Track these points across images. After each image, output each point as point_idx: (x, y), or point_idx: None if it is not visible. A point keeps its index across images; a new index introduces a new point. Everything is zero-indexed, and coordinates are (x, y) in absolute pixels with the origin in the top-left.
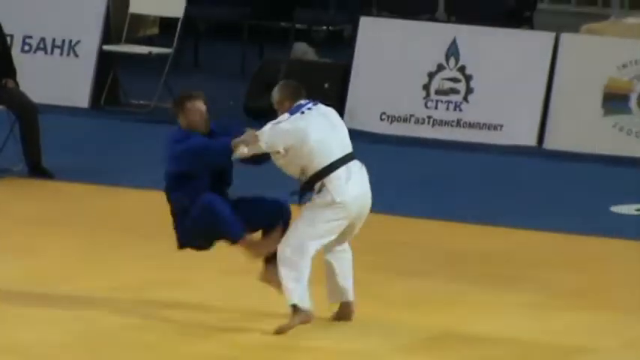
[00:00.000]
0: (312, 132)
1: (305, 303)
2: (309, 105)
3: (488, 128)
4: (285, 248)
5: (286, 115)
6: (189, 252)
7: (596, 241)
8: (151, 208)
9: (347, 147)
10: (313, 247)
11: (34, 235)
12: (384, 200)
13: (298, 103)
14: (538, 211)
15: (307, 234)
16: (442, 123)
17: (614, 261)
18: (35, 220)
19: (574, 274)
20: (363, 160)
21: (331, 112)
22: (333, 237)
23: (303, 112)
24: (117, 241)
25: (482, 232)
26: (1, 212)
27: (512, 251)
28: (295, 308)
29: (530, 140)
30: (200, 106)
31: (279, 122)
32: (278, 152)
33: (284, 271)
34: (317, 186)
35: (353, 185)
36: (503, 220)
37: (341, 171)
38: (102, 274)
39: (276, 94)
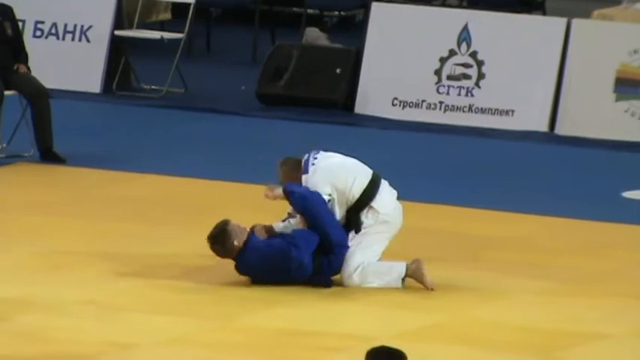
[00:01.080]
0: (343, 158)
1: (403, 271)
2: (313, 154)
3: (500, 114)
4: (353, 278)
5: (305, 175)
6: (200, 238)
7: (607, 226)
8: (163, 193)
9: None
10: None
11: (45, 221)
12: (396, 186)
13: (303, 161)
14: (549, 196)
15: (367, 258)
16: (454, 108)
17: (625, 247)
18: (47, 206)
19: (585, 260)
20: (374, 146)
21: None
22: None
23: (316, 158)
24: (128, 227)
25: (494, 217)
26: (13, 197)
27: (523, 237)
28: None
29: (542, 126)
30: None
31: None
32: (329, 195)
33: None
34: (365, 210)
35: (391, 198)
36: (515, 205)
37: (381, 188)
38: (112, 259)
39: (282, 172)
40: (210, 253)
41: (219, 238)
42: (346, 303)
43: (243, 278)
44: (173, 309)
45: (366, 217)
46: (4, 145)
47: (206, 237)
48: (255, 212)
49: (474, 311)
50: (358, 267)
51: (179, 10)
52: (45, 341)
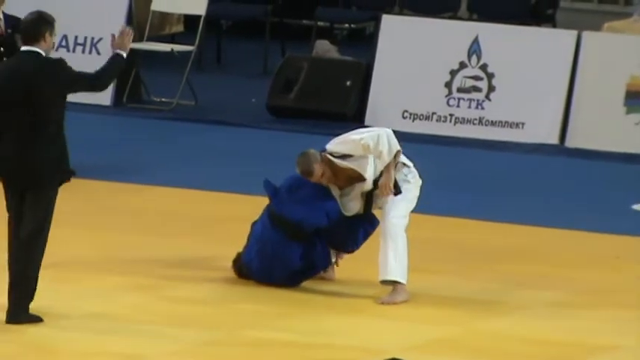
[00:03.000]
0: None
1: (405, 280)
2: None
3: (510, 126)
4: (400, 221)
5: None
6: (209, 250)
7: (617, 239)
8: (172, 205)
9: None
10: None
11: (55, 232)
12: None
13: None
14: (560, 209)
15: (408, 211)
16: (464, 121)
17: (635, 259)
18: (57, 217)
19: (595, 273)
20: None
21: None
22: None
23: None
24: (138, 239)
25: (504, 230)
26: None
27: (534, 249)
28: (396, 284)
29: (552, 138)
30: None
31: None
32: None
33: (391, 246)
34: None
35: None
36: (525, 218)
37: None
38: (120, 271)
39: (312, 167)
40: (219, 264)
41: None
42: (353, 315)
43: (250, 291)
44: (180, 321)
45: (400, 172)
46: None
47: None
48: None
49: (483, 323)
50: (406, 217)
51: (192, 23)
52: (53, 353)
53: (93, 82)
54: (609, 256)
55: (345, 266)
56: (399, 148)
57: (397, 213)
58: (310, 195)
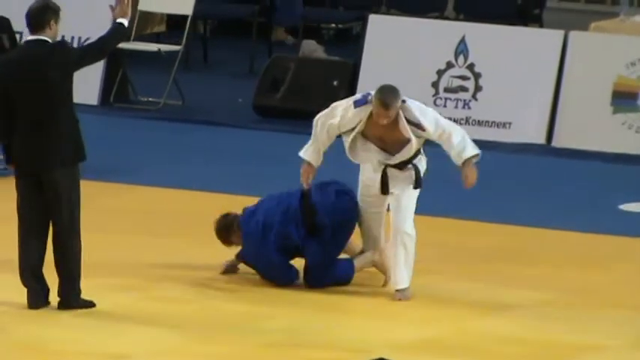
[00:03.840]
0: None
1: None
2: None
3: (497, 126)
4: (413, 231)
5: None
6: (196, 250)
7: (605, 239)
8: (159, 205)
9: None
10: None
11: None
12: None
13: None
14: (546, 209)
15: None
16: (451, 120)
17: (622, 259)
18: None
19: (583, 273)
20: None
21: None
22: None
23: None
24: (124, 238)
25: (491, 230)
26: (9, 211)
27: (520, 249)
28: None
29: (539, 138)
30: None
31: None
32: None
33: (404, 257)
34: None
35: None
36: (512, 217)
37: None
38: (108, 270)
39: (394, 103)
40: (205, 264)
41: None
42: (340, 315)
43: (239, 292)
44: (168, 320)
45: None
46: (2, 156)
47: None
48: None
49: (471, 323)
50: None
51: (175, 23)
52: (40, 352)
53: (100, 49)
54: (597, 256)
55: None
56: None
57: (411, 222)
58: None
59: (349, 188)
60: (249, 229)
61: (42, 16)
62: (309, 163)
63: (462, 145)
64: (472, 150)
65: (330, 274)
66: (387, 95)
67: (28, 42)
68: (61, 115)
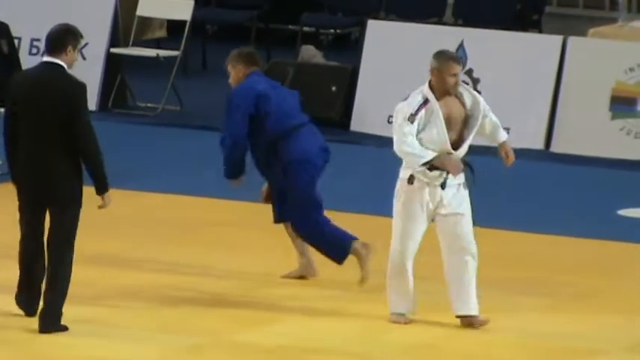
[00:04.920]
0: None
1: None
2: None
3: None
4: (475, 246)
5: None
6: (201, 255)
7: (603, 244)
8: (160, 211)
9: None
10: None
11: None
12: (392, 205)
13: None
14: (545, 214)
15: None
16: None
17: (621, 264)
18: None
19: (582, 278)
20: (370, 164)
21: None
22: None
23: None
24: (124, 245)
25: (490, 235)
26: (9, 217)
27: (519, 255)
28: None
29: (538, 144)
30: None
31: None
32: None
33: (473, 281)
34: None
35: None
36: (510, 223)
37: None
38: (109, 276)
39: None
40: (205, 270)
41: None
42: (341, 320)
43: (238, 297)
44: (169, 326)
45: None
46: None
47: None
48: (250, 230)
49: (469, 328)
50: None
51: (174, 28)
52: (44, 357)
53: (87, 145)
54: (595, 261)
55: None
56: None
57: (474, 242)
58: None
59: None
60: None
61: (61, 39)
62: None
63: (498, 123)
64: (504, 133)
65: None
66: (455, 55)
67: (43, 63)
68: (64, 147)
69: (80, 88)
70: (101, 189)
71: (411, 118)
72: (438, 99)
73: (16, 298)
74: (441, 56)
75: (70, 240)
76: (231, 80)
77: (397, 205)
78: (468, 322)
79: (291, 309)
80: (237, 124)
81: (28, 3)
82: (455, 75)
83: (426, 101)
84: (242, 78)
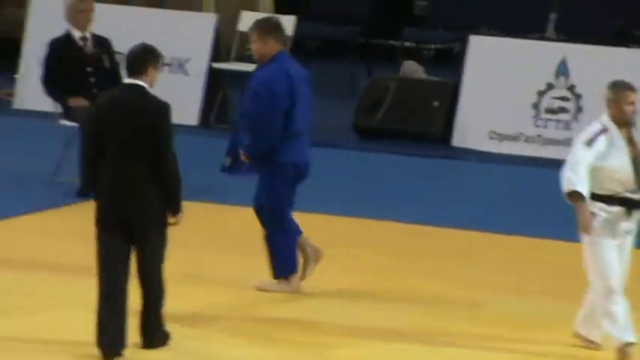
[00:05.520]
0: None
1: None
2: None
3: None
4: None
5: None
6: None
7: None
8: (257, 225)
9: None
10: None
11: None
12: (494, 220)
13: None
14: None
15: None
16: (552, 142)
17: None
18: None
19: None
20: (471, 179)
21: None
22: None
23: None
24: (224, 258)
25: None
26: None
27: None
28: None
29: None
30: None
31: None
32: None
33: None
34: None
35: None
36: None
37: None
38: (200, 290)
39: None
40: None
41: None
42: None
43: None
44: (257, 339)
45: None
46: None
47: None
48: (348, 246)
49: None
50: None
51: None
52: None
53: (168, 167)
54: None
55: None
56: None
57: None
58: None
59: None
60: None
61: (141, 61)
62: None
63: None
64: None
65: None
66: (623, 81)
67: (125, 85)
68: (150, 168)
69: (163, 109)
70: (175, 210)
71: (590, 142)
72: (618, 129)
73: (98, 342)
74: (615, 87)
75: (160, 261)
76: (256, 55)
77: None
78: None
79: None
80: (273, 120)
81: (130, 18)
82: (632, 103)
83: (605, 129)
84: (269, 55)
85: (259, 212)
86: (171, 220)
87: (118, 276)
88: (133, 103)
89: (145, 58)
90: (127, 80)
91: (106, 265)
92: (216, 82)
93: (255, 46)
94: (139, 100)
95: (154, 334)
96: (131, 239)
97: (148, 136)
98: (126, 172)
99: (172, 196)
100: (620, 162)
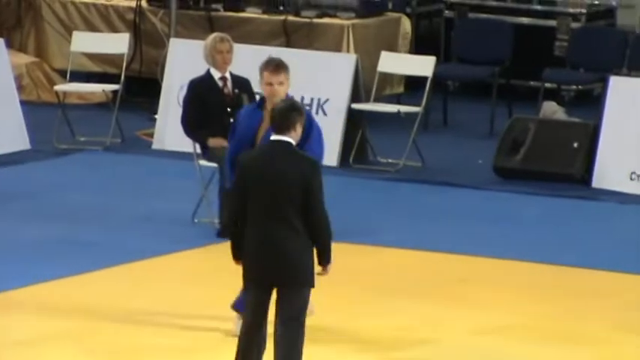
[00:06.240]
0: None
1: None
2: None
3: None
4: None
5: None
6: (440, 312)
7: None
8: (401, 266)
9: None
10: None
11: None
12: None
13: None
14: None
15: None
16: None
17: None
18: None
19: None
20: (612, 220)
21: None
22: None
23: None
24: (361, 299)
25: None
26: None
27: None
28: None
29: None
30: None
31: None
32: None
33: None
34: None
35: None
36: None
37: None
38: (343, 332)
39: None
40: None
41: None
42: None
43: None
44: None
45: None
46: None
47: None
48: (492, 286)
49: None
50: None
51: (412, 83)
52: None
53: (320, 223)
54: None
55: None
56: None
57: None
58: None
59: None
60: None
61: (290, 118)
62: None
63: None
64: None
65: None
66: None
67: (272, 142)
68: (299, 226)
69: (315, 166)
70: (325, 261)
71: None
72: None
73: None
74: None
75: (301, 319)
76: (283, 94)
77: None
78: None
79: None
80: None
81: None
82: None
83: None
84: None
85: None
86: (320, 271)
87: (259, 346)
88: (284, 162)
89: (293, 116)
90: (274, 137)
91: (250, 332)
92: (355, 122)
93: (284, 88)
94: (291, 158)
95: None
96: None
97: (299, 193)
98: (274, 231)
99: (324, 251)
100: None
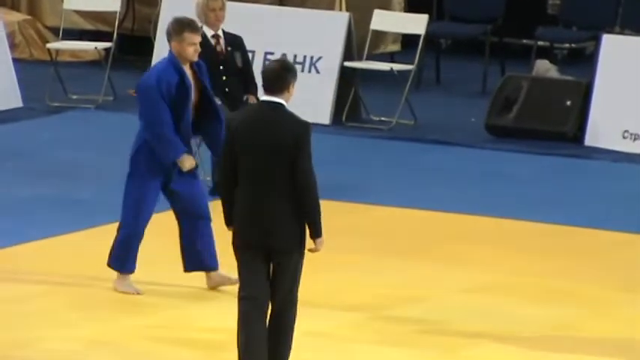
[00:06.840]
0: None
1: None
2: None
3: None
4: None
5: None
6: (430, 271)
7: None
8: (392, 225)
9: None
10: None
11: None
12: (629, 219)
13: None
14: None
15: None
16: None
17: None
18: None
19: None
20: (604, 179)
21: None
22: None
23: None
24: (355, 258)
25: None
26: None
27: None
28: None
29: None
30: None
31: None
32: None
33: None
34: None
35: None
36: None
37: None
38: (337, 290)
39: None
40: (441, 284)
41: None
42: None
43: (474, 308)
44: (398, 340)
45: None
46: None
47: None
48: (484, 244)
49: None
50: None
51: (407, 42)
52: None
53: (307, 188)
54: None
55: None
56: None
57: None
58: None
59: None
60: None
61: (282, 78)
62: None
63: None
64: None
65: None
66: None
67: (263, 103)
68: (289, 190)
69: (305, 127)
70: (315, 234)
71: None
72: None
73: None
74: None
75: (294, 287)
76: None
77: None
78: None
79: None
80: None
81: (263, 16)
82: None
83: None
84: None
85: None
86: (310, 246)
87: (258, 295)
88: (275, 123)
89: (286, 76)
90: (265, 98)
91: (247, 284)
92: (347, 80)
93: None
94: (282, 120)
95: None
96: (270, 260)
97: (290, 155)
98: (264, 194)
99: (312, 219)
100: None
